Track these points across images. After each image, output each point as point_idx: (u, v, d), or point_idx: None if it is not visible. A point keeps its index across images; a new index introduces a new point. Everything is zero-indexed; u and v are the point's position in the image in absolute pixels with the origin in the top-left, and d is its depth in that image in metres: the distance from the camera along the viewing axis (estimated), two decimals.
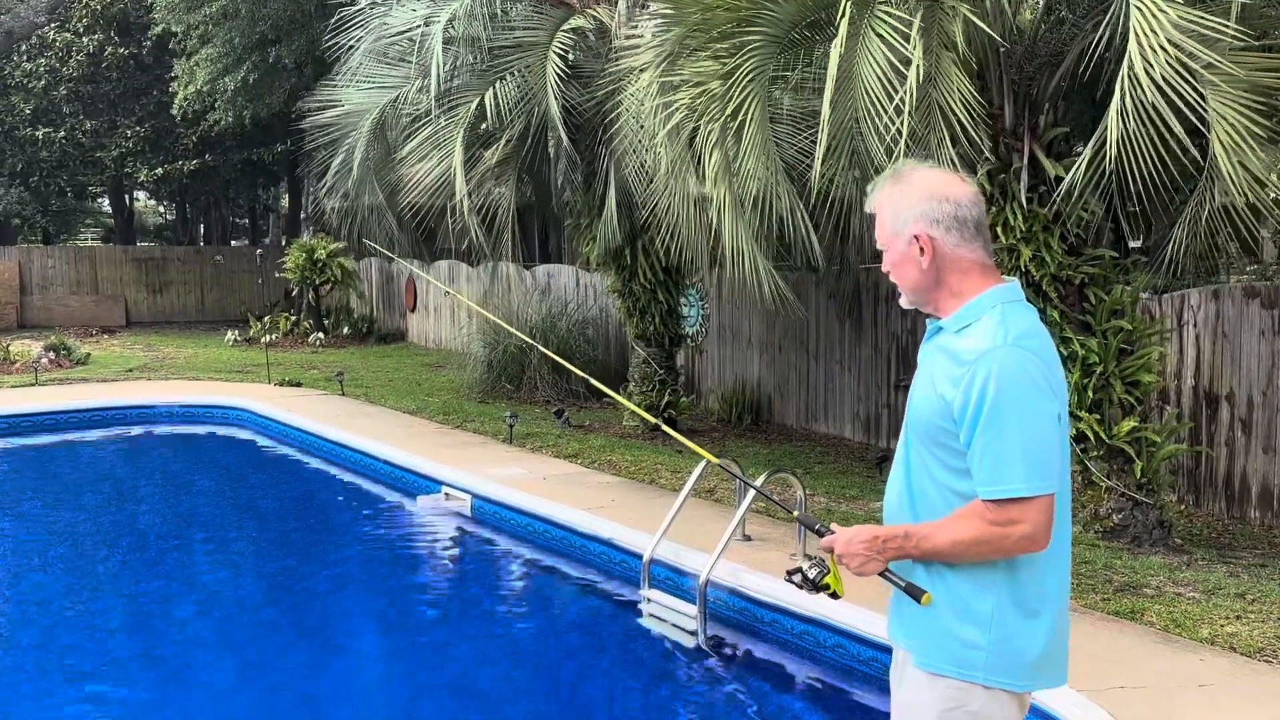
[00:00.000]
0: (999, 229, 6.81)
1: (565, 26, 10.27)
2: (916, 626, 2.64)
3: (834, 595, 2.72)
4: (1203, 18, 5.20)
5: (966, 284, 2.59)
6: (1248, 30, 5.60)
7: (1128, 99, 5.47)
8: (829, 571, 2.68)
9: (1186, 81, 5.36)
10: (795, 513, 3.07)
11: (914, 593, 2.55)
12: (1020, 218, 6.73)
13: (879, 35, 5.94)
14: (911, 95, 5.67)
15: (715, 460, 3.40)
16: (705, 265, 9.20)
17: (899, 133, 5.83)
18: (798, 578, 2.72)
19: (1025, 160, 6.74)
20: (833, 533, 2.63)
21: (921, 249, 2.59)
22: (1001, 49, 6.56)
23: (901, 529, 2.59)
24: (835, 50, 5.89)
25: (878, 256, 2.83)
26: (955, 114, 5.94)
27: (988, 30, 5.94)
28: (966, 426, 2.48)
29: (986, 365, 2.45)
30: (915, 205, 2.58)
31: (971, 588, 2.54)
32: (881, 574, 2.60)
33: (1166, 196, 6.66)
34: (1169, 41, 5.23)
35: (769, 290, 7.80)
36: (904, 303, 2.74)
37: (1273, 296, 7.57)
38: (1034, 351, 2.49)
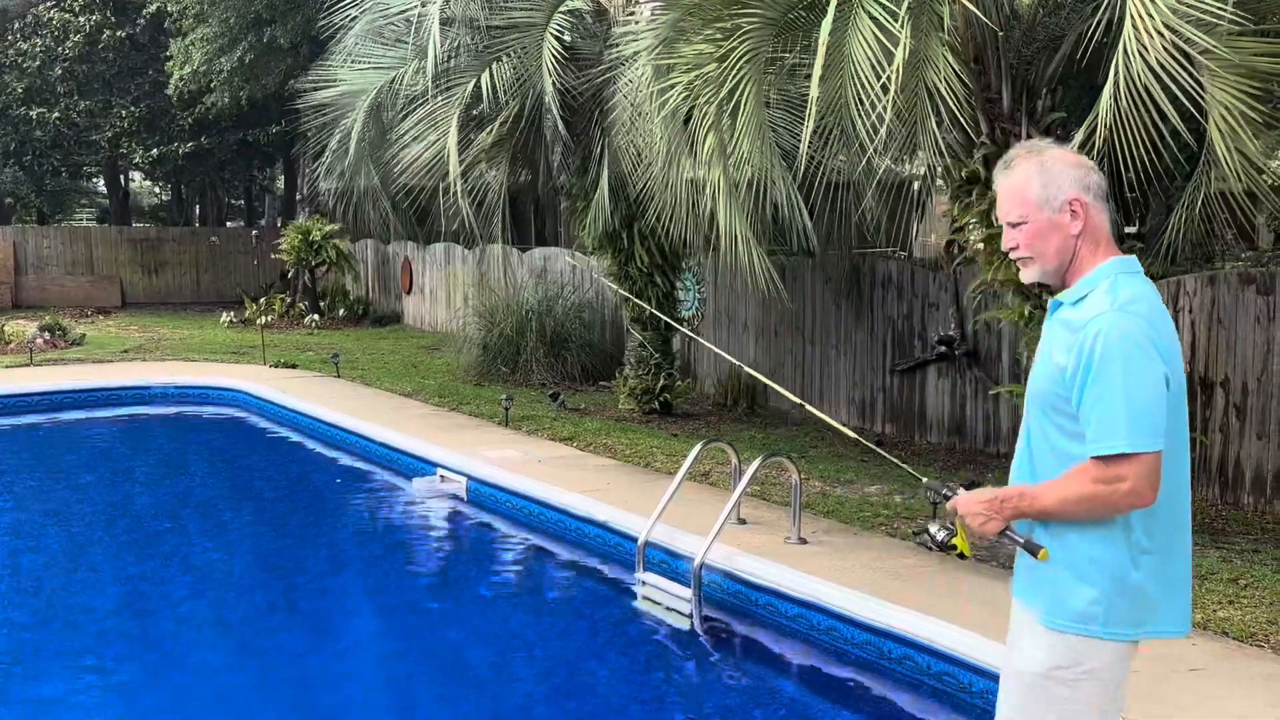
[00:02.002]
0: (995, 213, 6.79)
1: (563, 8, 10.23)
2: (1036, 584, 2.77)
3: (961, 555, 2.90)
4: (1201, 2, 5.18)
5: (1093, 256, 2.74)
6: (1246, 15, 5.59)
7: (1121, 82, 5.45)
8: (955, 533, 2.86)
9: (1182, 66, 5.34)
10: (924, 480, 3.12)
11: (1031, 548, 2.70)
12: None
13: (869, 15, 5.93)
14: (898, 76, 5.65)
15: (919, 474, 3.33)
16: (701, 249, 9.21)
17: (882, 115, 5.82)
18: (926, 538, 2.89)
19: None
20: (954, 495, 2.81)
21: (1074, 213, 2.72)
22: (1000, 33, 6.54)
23: (1017, 489, 2.74)
24: (824, 29, 5.89)
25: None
26: (943, 96, 5.93)
27: (977, 13, 5.92)
28: (1076, 388, 2.62)
29: (1095, 328, 2.60)
30: (1068, 172, 2.73)
31: (1087, 544, 2.67)
32: (1001, 533, 2.74)
33: (1163, 182, 6.66)
34: (1165, 25, 5.21)
35: (761, 275, 7.80)
36: (1030, 277, 2.83)
37: (1268, 283, 7.57)
38: (1140, 315, 2.61)
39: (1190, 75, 5.42)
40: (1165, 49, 5.23)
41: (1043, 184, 2.73)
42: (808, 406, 3.95)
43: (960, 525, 2.84)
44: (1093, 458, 2.59)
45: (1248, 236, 9.03)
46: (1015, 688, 2.82)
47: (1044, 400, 2.74)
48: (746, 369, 3.77)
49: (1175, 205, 6.74)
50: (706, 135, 7.10)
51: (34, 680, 5.35)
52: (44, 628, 6.08)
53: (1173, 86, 5.39)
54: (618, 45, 8.95)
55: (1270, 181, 6.28)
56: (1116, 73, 5.47)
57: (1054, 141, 2.85)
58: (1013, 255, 2.84)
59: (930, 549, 2.93)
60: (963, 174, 6.95)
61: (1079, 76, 7.09)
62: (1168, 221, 6.68)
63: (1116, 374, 2.56)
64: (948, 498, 2.84)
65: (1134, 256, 2.78)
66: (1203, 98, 5.62)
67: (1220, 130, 5.63)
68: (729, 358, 3.96)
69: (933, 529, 2.95)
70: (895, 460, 3.57)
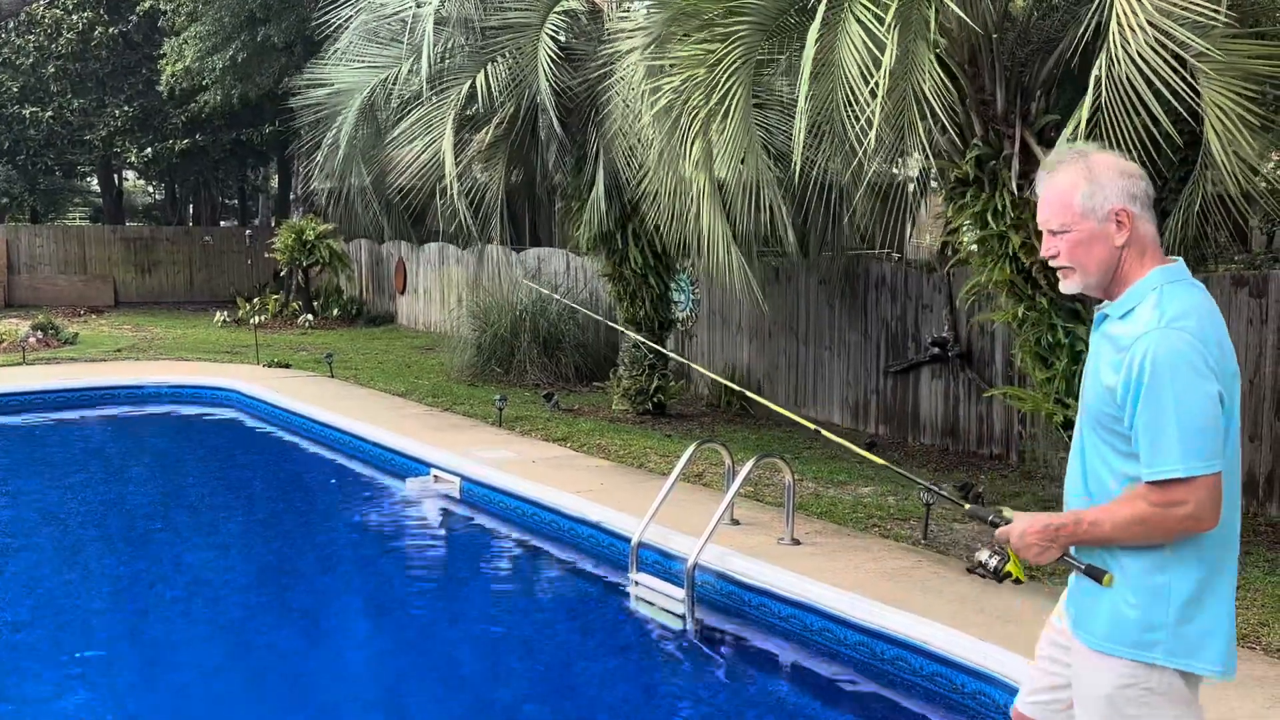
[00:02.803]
0: (989, 215, 6.81)
1: (558, 8, 10.23)
2: (1091, 610, 2.69)
3: (1016, 581, 2.80)
4: (1194, 4, 5.19)
5: (1139, 266, 2.64)
6: (1239, 17, 5.60)
7: (1104, 78, 5.45)
8: (1009, 559, 2.77)
9: (1173, 68, 5.35)
10: (966, 505, 2.99)
11: (1095, 574, 2.62)
12: (1010, 204, 6.73)
13: (857, 20, 5.94)
14: (885, 81, 5.66)
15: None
16: (694, 250, 9.21)
17: (870, 120, 5.83)
18: (980, 570, 2.81)
19: (1017, 147, 6.73)
20: (1008, 522, 2.71)
21: (1120, 223, 2.62)
22: (993, 35, 6.55)
23: (1072, 515, 2.66)
24: (811, 35, 5.90)
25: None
26: (930, 101, 5.93)
27: (964, 16, 5.93)
28: (1128, 411, 2.54)
29: (1141, 348, 2.51)
30: (1115, 181, 2.63)
31: (1144, 568, 2.60)
32: (1060, 559, 2.67)
33: (1154, 185, 6.67)
34: (1149, 23, 5.22)
35: (739, 279, 7.83)
36: (1070, 288, 2.73)
37: (1260, 285, 7.59)
38: (1189, 332, 2.51)
39: (1182, 77, 5.43)
40: (1149, 44, 5.23)
41: (1089, 192, 2.63)
42: (803, 421, 3.93)
43: (1012, 551, 2.76)
44: (1147, 482, 2.52)
45: (1240, 239, 9.04)
46: (1086, 713, 2.74)
47: (1096, 420, 2.67)
48: (712, 375, 3.75)
49: (1169, 209, 6.75)
50: (694, 139, 7.11)
51: (26, 680, 5.33)
52: (36, 626, 6.06)
53: (1163, 89, 5.40)
54: (612, 42, 8.95)
55: (1264, 184, 6.30)
56: (1099, 69, 5.48)
57: (1099, 147, 2.75)
58: (1052, 264, 2.74)
59: (984, 577, 2.83)
60: (956, 176, 6.96)
61: (1073, 79, 7.10)
62: (1164, 225, 6.69)
63: (1167, 395, 2.48)
64: (996, 525, 2.76)
65: (1180, 262, 2.67)
66: (1196, 100, 5.63)
67: (1217, 132, 5.64)
68: (701, 369, 3.95)
69: (983, 557, 2.84)
70: (922, 480, 3.45)
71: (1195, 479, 2.48)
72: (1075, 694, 2.80)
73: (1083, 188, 2.64)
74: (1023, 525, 2.68)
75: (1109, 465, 2.65)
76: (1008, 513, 2.74)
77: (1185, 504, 2.49)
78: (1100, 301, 2.74)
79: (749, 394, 3.64)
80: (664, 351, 5.37)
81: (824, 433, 3.84)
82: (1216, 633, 2.63)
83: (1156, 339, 2.51)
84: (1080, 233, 2.65)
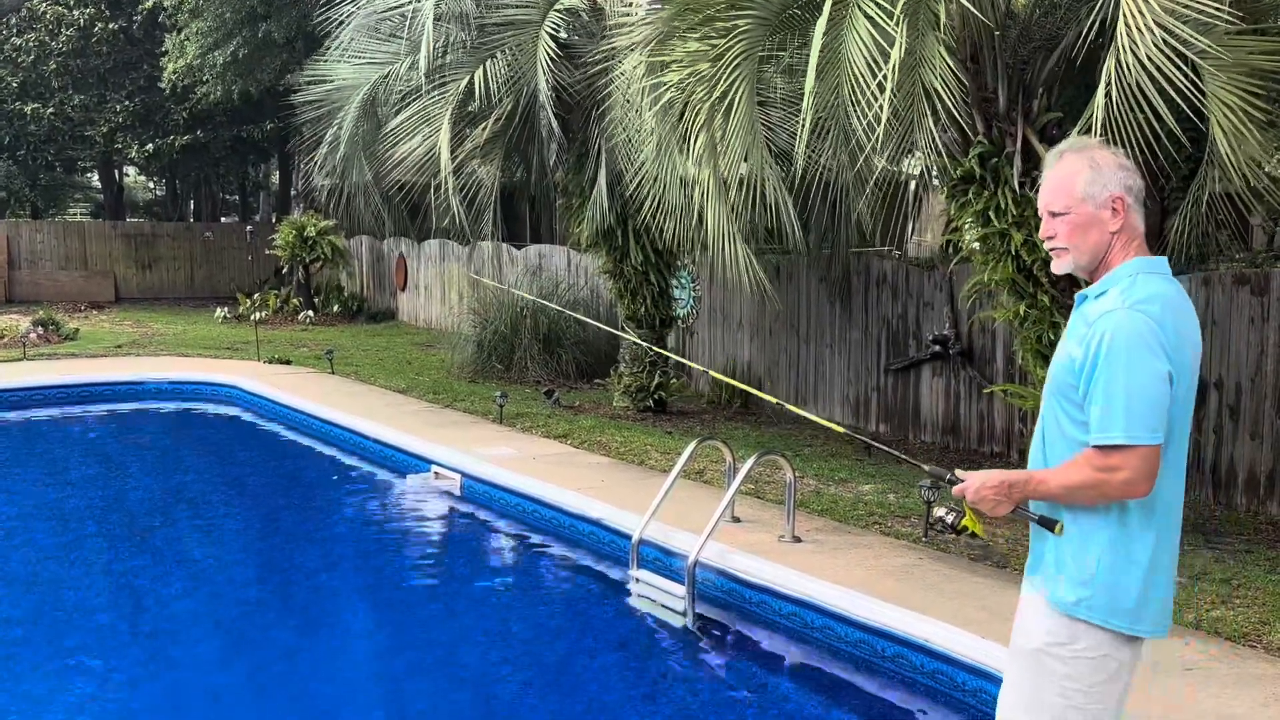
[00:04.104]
0: (991, 213, 6.80)
1: (558, 5, 10.22)
2: (1044, 566, 2.90)
3: (973, 535, 3.03)
4: (1200, 2, 5.18)
5: (1123, 254, 2.85)
6: (1242, 15, 5.59)
7: (1114, 80, 5.46)
8: (965, 514, 2.99)
9: (1177, 66, 5.35)
10: (926, 467, 3.22)
11: (1047, 524, 2.84)
12: (1012, 202, 6.72)
13: (865, 14, 5.93)
14: (894, 75, 5.65)
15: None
16: (696, 247, 9.21)
17: (878, 116, 5.82)
18: (938, 525, 3.01)
19: (1019, 144, 6.73)
20: (962, 480, 2.92)
21: (1115, 210, 2.83)
22: (996, 32, 6.54)
23: (1025, 474, 2.85)
24: (818, 29, 5.89)
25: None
26: (939, 96, 5.92)
27: (975, 11, 5.92)
28: (1084, 380, 2.75)
29: (1104, 325, 2.72)
30: (1115, 172, 2.84)
31: (1086, 531, 2.79)
32: (1013, 512, 2.89)
33: (1158, 183, 6.66)
34: (1156, 23, 5.21)
35: (746, 276, 7.81)
36: (1062, 268, 2.93)
37: (1262, 284, 7.58)
38: (1150, 316, 2.71)
39: (1186, 75, 5.42)
40: (1157, 46, 5.23)
41: (1090, 179, 2.83)
42: (791, 408, 3.93)
43: (968, 507, 2.96)
44: (1093, 446, 2.72)
45: (1242, 237, 9.03)
46: (1015, 664, 2.95)
47: (1058, 388, 2.86)
48: (713, 373, 3.76)
49: (1172, 206, 6.74)
50: (697, 135, 7.10)
51: (27, 675, 5.33)
52: (36, 623, 6.06)
53: (1168, 87, 5.40)
54: (613, 38, 8.94)
55: (1267, 180, 6.29)
56: (1109, 70, 5.47)
57: (1103, 141, 2.96)
58: (1048, 245, 2.93)
59: (942, 532, 3.04)
60: (959, 173, 6.95)
61: (1075, 76, 7.09)
62: (1169, 222, 6.68)
63: (1120, 369, 2.68)
64: (952, 484, 2.95)
65: (1163, 258, 2.87)
66: (1201, 98, 5.62)
67: (1223, 130, 5.63)
68: (701, 367, 3.96)
69: (940, 512, 3.07)
70: (898, 454, 3.66)
71: (1136, 447, 2.67)
72: (1010, 647, 3.00)
73: (1086, 174, 2.84)
74: (980, 480, 2.87)
75: (1063, 431, 2.85)
76: (960, 473, 2.93)
77: (1123, 470, 2.68)
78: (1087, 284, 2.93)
79: (750, 390, 3.65)
80: (661, 351, 5.38)
81: (788, 406, 3.99)
82: (1144, 593, 2.79)
83: (1119, 318, 2.71)
84: (1079, 216, 2.85)
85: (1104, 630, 2.79)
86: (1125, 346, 2.68)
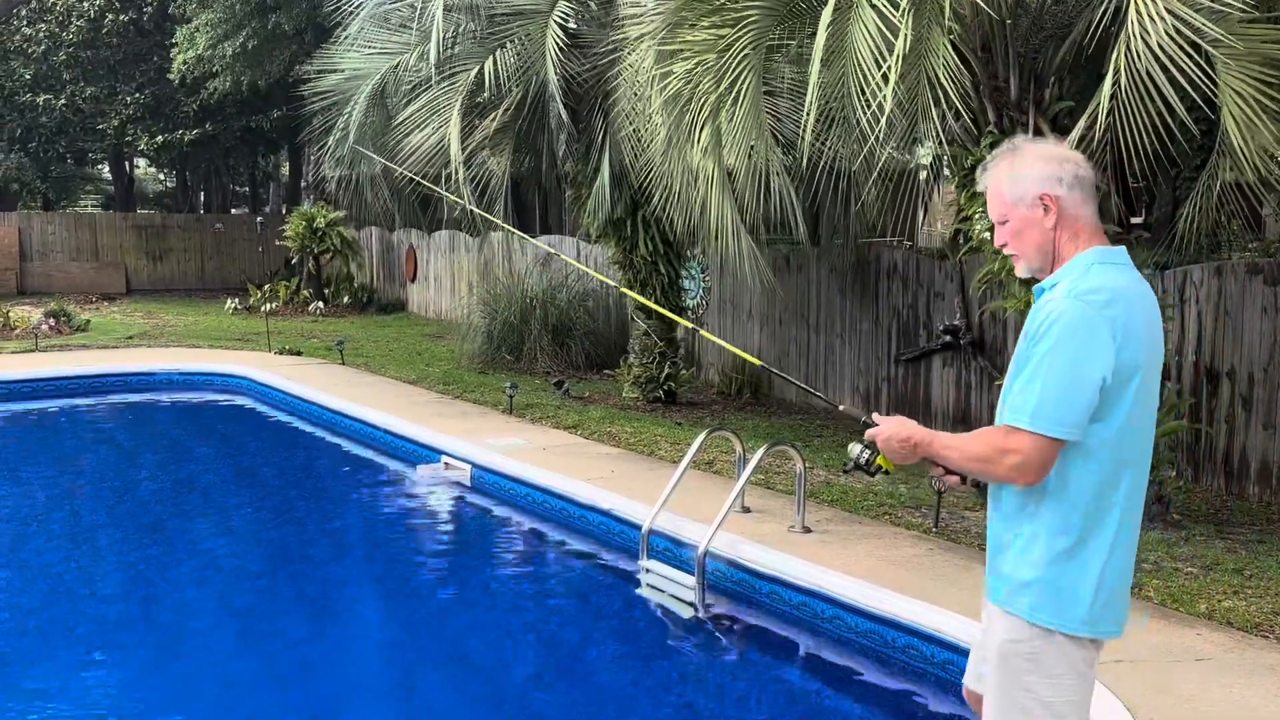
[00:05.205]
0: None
1: None
2: (999, 577, 2.87)
3: (886, 473, 3.08)
4: None
5: (1073, 246, 2.80)
6: (1257, 2, 5.55)
7: (1123, 68, 5.42)
8: (878, 454, 3.03)
9: (1189, 55, 5.31)
10: (841, 406, 3.36)
11: (868, 468, 3.04)
12: None
13: (872, 4, 5.90)
14: (898, 66, 5.63)
15: None
16: (704, 238, 9.19)
17: (883, 106, 5.79)
18: (852, 464, 3.08)
19: (1030, 133, 6.70)
20: (876, 424, 2.95)
21: (1046, 207, 2.79)
22: (1007, 21, 6.50)
23: (931, 435, 2.87)
24: (824, 19, 5.87)
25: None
26: (944, 87, 5.90)
27: (980, 3, 5.89)
28: (1020, 363, 2.75)
29: (1047, 311, 2.69)
30: (1035, 168, 2.81)
31: (1039, 533, 2.75)
32: (921, 463, 2.94)
33: (1169, 172, 6.63)
34: (1168, 10, 5.18)
35: (750, 267, 7.80)
36: (1022, 272, 2.91)
37: (1275, 273, 7.54)
38: (1094, 307, 2.65)
39: (1198, 64, 5.39)
40: (1169, 34, 5.20)
41: (1012, 183, 2.82)
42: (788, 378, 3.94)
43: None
44: (1002, 423, 2.73)
45: (1255, 226, 8.99)
46: (990, 670, 2.90)
47: (1010, 372, 2.87)
48: (736, 350, 3.76)
49: (1183, 195, 6.70)
50: (704, 126, 7.08)
51: (40, 664, 5.36)
52: (48, 612, 6.08)
53: (1178, 76, 5.36)
54: (622, 28, 8.92)
55: None
56: (1119, 58, 5.44)
57: (1032, 138, 2.96)
58: (1005, 252, 2.93)
59: (857, 470, 3.03)
60: (969, 163, 6.92)
61: (1087, 65, 7.06)
62: (1179, 212, 6.65)
63: (1046, 357, 2.65)
64: (868, 425, 3.00)
65: (1121, 248, 2.81)
66: (1212, 87, 5.59)
67: (1235, 119, 5.60)
68: (729, 346, 3.95)
69: (854, 452, 3.10)
70: (815, 392, 3.84)
71: (1035, 436, 2.64)
72: (987, 644, 2.97)
73: (1006, 180, 2.84)
74: (890, 430, 2.91)
75: (1002, 409, 2.85)
76: (876, 417, 2.98)
77: (1016, 454, 2.66)
78: None
79: (771, 369, 3.68)
80: (682, 321, 5.37)
81: (765, 368, 4.01)
82: (1089, 598, 2.73)
83: (1062, 306, 2.66)
84: (1015, 221, 2.84)
85: (1059, 634, 2.73)
86: (1061, 337, 2.63)
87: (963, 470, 2.84)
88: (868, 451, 3.06)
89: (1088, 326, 2.63)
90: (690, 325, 4.65)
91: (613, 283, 5.71)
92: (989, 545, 2.93)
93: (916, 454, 2.87)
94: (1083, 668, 2.78)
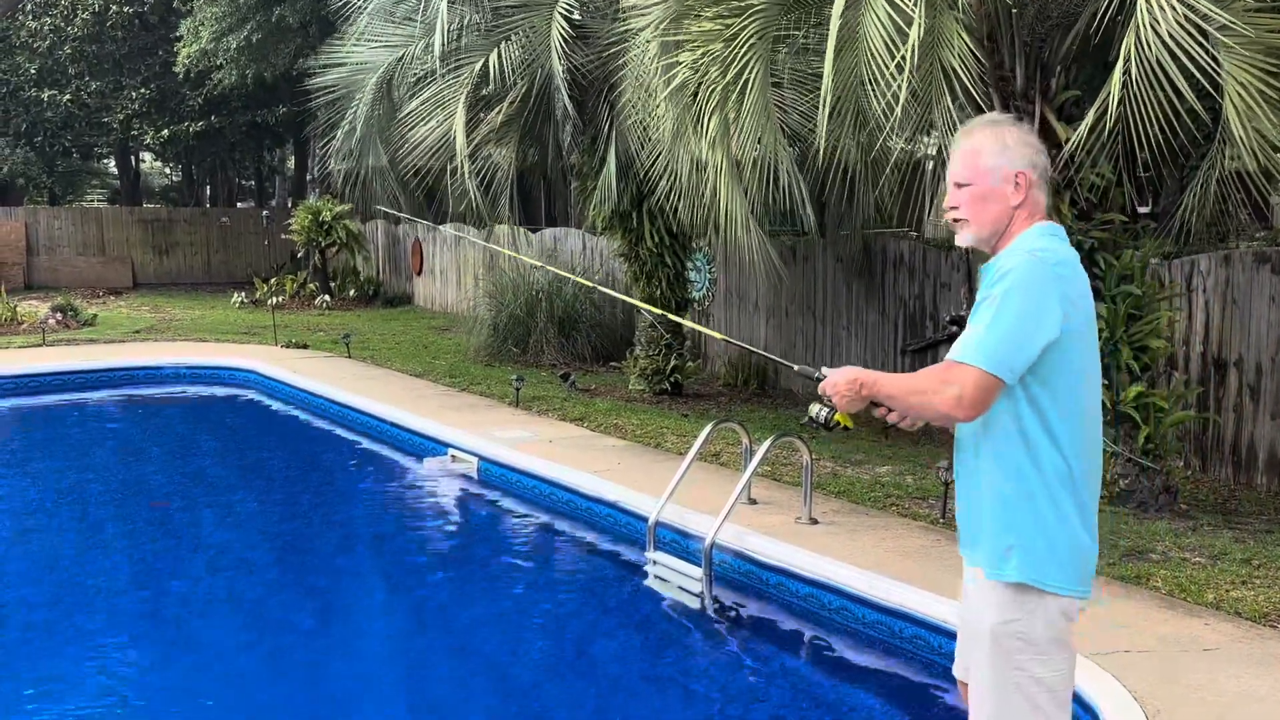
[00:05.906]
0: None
1: None
2: (978, 539, 2.90)
3: (846, 429, 3.13)
4: None
5: (1024, 225, 2.88)
6: None
7: (1133, 57, 5.40)
8: (835, 410, 3.07)
9: (1197, 42, 5.29)
10: (796, 367, 3.40)
11: (826, 424, 3.09)
12: None
13: None
14: (913, 55, 5.61)
15: None
16: (712, 230, 9.18)
17: (896, 96, 5.78)
18: (811, 423, 3.12)
19: (1036, 123, 6.67)
20: (825, 377, 3.00)
21: (1018, 184, 2.86)
22: (1013, 10, 6.48)
23: (874, 374, 2.93)
24: (836, 9, 5.85)
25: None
26: (958, 76, 5.88)
27: None
28: (973, 318, 2.81)
29: (1008, 265, 2.78)
30: (1024, 148, 2.89)
31: (1009, 497, 2.82)
32: (872, 413, 2.99)
33: (1178, 161, 6.60)
34: (1177, 0, 5.16)
35: (758, 258, 7.78)
36: (964, 240, 2.96)
37: None
38: (1049, 263, 2.75)
39: (1206, 52, 5.37)
40: (1179, 23, 5.18)
41: (998, 151, 2.87)
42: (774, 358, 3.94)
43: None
44: (948, 359, 2.77)
45: (1262, 216, 8.96)
46: (979, 650, 2.90)
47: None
48: (735, 341, 3.76)
49: (1190, 184, 6.68)
50: (711, 116, 7.07)
51: (48, 658, 5.38)
52: (56, 606, 6.10)
53: (1188, 64, 5.34)
54: (627, 18, 8.91)
55: None
56: (1129, 47, 5.42)
57: (1015, 119, 3.01)
58: (950, 215, 2.96)
59: (817, 428, 3.04)
60: None
61: (1093, 55, 7.03)
62: (1182, 201, 6.63)
63: (1003, 307, 2.72)
64: (819, 380, 3.03)
65: (1061, 227, 2.92)
66: (1219, 75, 5.57)
67: (1236, 108, 5.58)
68: (730, 339, 3.94)
69: (813, 411, 3.13)
70: (771, 356, 3.86)
71: (978, 370, 2.70)
72: (965, 618, 3.01)
73: (992, 147, 2.88)
74: (836, 377, 2.95)
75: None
76: (826, 370, 3.02)
77: (956, 385, 2.72)
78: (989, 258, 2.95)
79: (771, 356, 3.70)
80: (684, 322, 5.36)
81: (754, 350, 4.02)
82: (1068, 553, 2.80)
83: (1021, 260, 2.75)
84: (981, 188, 2.88)
85: (1047, 595, 2.79)
86: (1020, 285, 2.72)
87: (905, 408, 2.88)
88: (825, 410, 3.10)
89: (1040, 282, 2.72)
90: (660, 313, 4.68)
91: (588, 283, 5.67)
92: (961, 515, 2.97)
93: (862, 395, 2.91)
94: (1066, 637, 2.84)
